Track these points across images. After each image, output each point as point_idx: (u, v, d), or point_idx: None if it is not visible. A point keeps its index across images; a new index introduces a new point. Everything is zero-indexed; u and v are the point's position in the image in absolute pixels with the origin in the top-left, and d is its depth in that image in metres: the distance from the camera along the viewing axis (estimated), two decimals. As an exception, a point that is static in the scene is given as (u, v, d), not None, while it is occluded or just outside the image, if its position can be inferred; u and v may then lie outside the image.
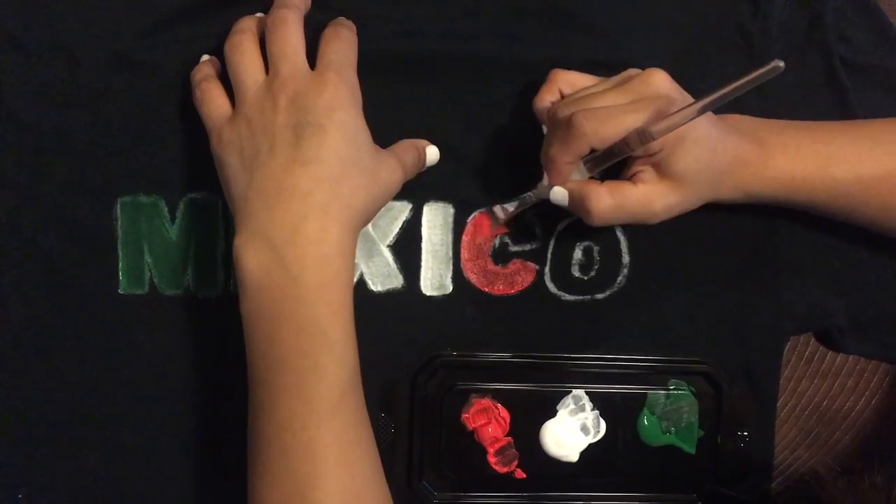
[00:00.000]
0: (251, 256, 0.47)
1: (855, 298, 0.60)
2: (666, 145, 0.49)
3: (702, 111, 0.45)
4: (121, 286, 0.56)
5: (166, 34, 0.55)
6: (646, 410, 0.58)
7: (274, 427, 0.47)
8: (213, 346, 0.56)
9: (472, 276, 0.58)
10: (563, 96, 0.53)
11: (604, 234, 0.56)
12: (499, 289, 0.58)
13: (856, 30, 0.60)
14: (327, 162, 0.48)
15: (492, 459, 0.57)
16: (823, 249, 0.59)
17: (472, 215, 0.58)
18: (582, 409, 0.57)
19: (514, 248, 0.58)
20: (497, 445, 0.57)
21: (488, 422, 0.57)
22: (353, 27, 0.54)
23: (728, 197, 0.53)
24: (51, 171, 0.55)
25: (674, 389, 0.58)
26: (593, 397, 0.58)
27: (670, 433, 0.58)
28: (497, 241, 0.58)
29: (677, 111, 0.46)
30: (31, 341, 0.56)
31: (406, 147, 0.54)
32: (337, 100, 0.49)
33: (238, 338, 0.54)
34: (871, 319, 0.61)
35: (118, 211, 0.56)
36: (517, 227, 0.58)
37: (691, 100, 0.48)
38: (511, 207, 0.55)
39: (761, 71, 0.42)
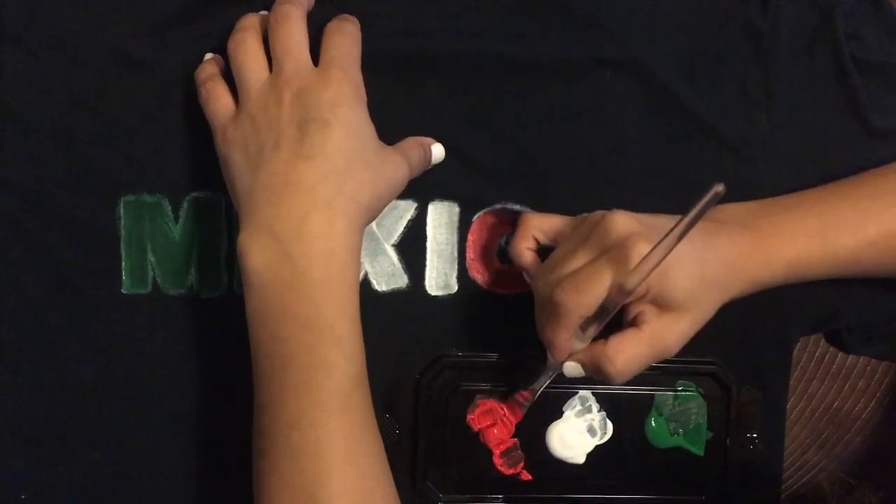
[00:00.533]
0: (256, 252, 0.47)
1: (864, 299, 0.59)
2: (652, 282, 0.47)
3: (667, 250, 0.44)
4: (124, 286, 0.56)
5: (169, 33, 0.55)
6: (653, 412, 0.57)
7: (281, 425, 0.46)
8: (216, 346, 0.56)
9: (477, 276, 0.58)
10: (537, 243, 0.53)
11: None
12: (504, 288, 0.58)
13: (866, 28, 0.59)
14: (332, 157, 0.47)
15: (497, 461, 0.57)
16: None
17: (478, 214, 0.57)
18: (588, 410, 0.57)
19: (519, 248, 0.58)
20: (503, 447, 0.57)
21: (494, 423, 0.56)
22: (357, 22, 0.54)
23: (742, 291, 0.52)
24: (53, 170, 0.55)
25: (682, 391, 0.57)
26: (600, 398, 0.57)
27: (678, 435, 0.57)
28: (503, 241, 0.58)
29: (644, 258, 0.44)
30: (34, 341, 0.55)
31: (412, 144, 0.54)
32: (341, 96, 0.49)
33: (242, 338, 0.53)
34: (879, 320, 0.60)
35: (121, 210, 0.56)
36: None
37: (658, 228, 0.46)
38: (530, 393, 0.55)
39: (706, 199, 0.41)
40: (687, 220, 0.42)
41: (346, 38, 0.52)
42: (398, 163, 0.52)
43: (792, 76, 0.58)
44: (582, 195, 0.57)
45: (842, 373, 0.59)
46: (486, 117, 0.57)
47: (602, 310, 0.47)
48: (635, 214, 0.49)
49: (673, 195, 0.57)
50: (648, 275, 0.44)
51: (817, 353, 0.57)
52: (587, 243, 0.49)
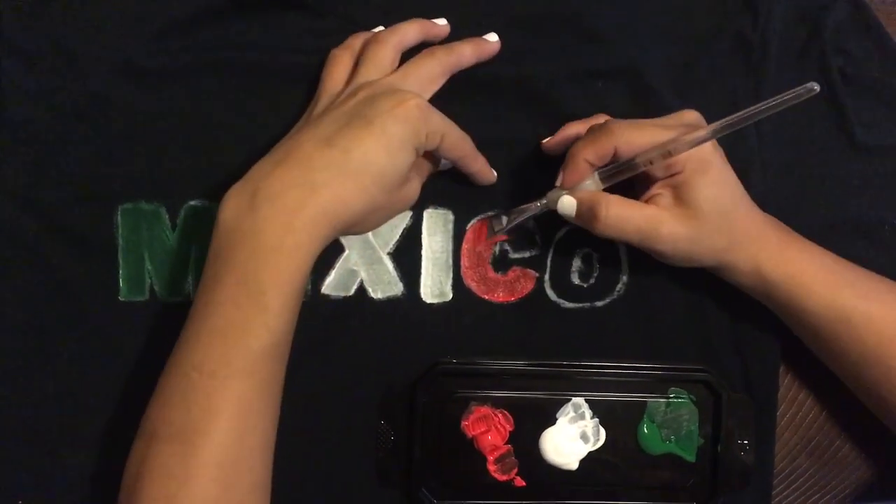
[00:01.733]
0: (233, 201, 0.47)
1: None
2: (688, 168, 0.49)
3: (722, 129, 0.47)
4: (121, 293, 0.56)
5: (169, 43, 0.56)
6: (646, 418, 0.58)
7: (186, 365, 0.46)
8: (212, 353, 0.56)
9: (472, 284, 0.58)
10: (615, 153, 0.52)
11: (603, 241, 0.56)
12: (499, 296, 0.58)
13: (854, 42, 0.60)
14: (351, 155, 0.48)
15: (491, 467, 0.57)
16: None
17: (472, 222, 0.58)
18: (582, 416, 0.57)
19: (513, 256, 0.58)
20: (497, 453, 0.57)
21: (488, 429, 0.57)
22: (452, 50, 0.56)
23: (740, 266, 0.53)
24: (52, 178, 0.55)
25: (674, 398, 0.58)
26: (593, 405, 0.57)
27: (670, 441, 0.58)
28: (497, 249, 0.58)
29: (704, 129, 0.47)
30: (32, 348, 0.56)
31: (423, 159, 0.55)
32: (404, 111, 0.49)
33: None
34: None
35: (119, 218, 0.56)
36: (517, 234, 0.58)
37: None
38: (511, 216, 0.55)
39: (794, 92, 0.43)
40: (758, 108, 0.45)
41: (434, 61, 0.54)
42: (414, 190, 0.54)
43: (780, 89, 0.59)
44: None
45: (832, 380, 0.60)
46: (479, 127, 0.57)
47: (630, 163, 0.50)
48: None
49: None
50: (696, 144, 0.47)
51: (807, 361, 0.58)
52: (658, 119, 0.52)
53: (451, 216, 0.58)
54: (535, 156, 0.58)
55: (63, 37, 0.55)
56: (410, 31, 0.55)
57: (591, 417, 0.57)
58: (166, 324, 0.56)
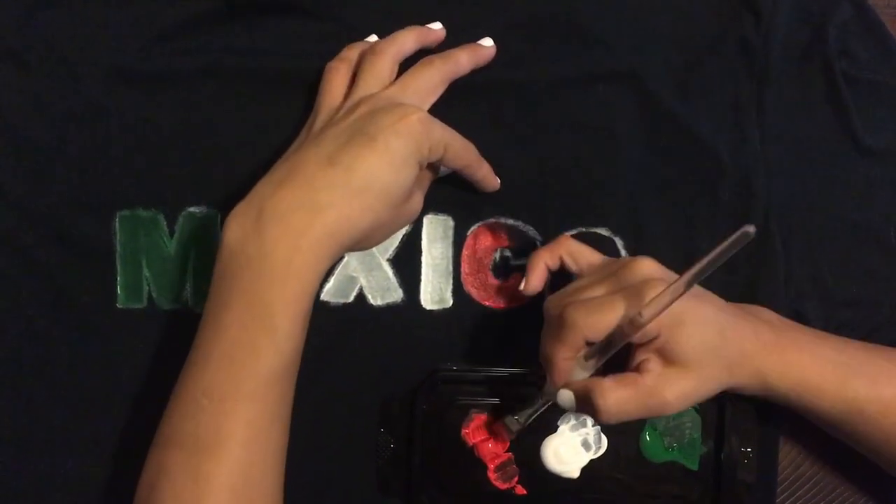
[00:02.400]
0: (237, 222, 0.47)
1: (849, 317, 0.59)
2: (664, 329, 0.46)
3: (687, 286, 0.43)
4: (119, 300, 0.56)
5: (166, 48, 0.56)
6: (648, 426, 0.57)
7: (195, 390, 0.46)
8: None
9: (472, 290, 0.58)
10: (561, 263, 0.53)
11: (603, 246, 0.56)
12: (499, 302, 0.58)
13: (858, 45, 0.60)
14: (355, 173, 0.47)
15: (492, 475, 0.57)
16: (819, 265, 0.59)
17: (472, 228, 0.58)
18: (583, 424, 0.57)
19: (514, 262, 0.58)
20: (497, 461, 0.56)
21: (488, 437, 0.56)
22: (449, 58, 0.55)
23: (746, 385, 0.51)
24: (49, 185, 0.55)
25: (676, 405, 0.57)
26: (595, 413, 0.57)
27: (673, 449, 0.57)
28: (497, 255, 0.58)
29: (662, 291, 0.44)
30: (30, 355, 0.56)
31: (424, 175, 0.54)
32: (405, 126, 0.48)
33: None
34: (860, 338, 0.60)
35: (117, 225, 0.56)
36: (517, 240, 0.58)
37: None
38: (523, 418, 0.53)
39: (732, 239, 0.40)
40: (710, 257, 0.41)
41: (432, 71, 0.54)
42: (417, 202, 0.53)
43: (784, 92, 0.59)
44: (576, 209, 0.58)
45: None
46: (479, 132, 0.57)
47: (608, 342, 0.46)
48: (662, 266, 0.49)
49: (667, 209, 0.58)
50: (662, 310, 0.44)
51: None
52: (610, 279, 0.48)
53: (451, 222, 0.57)
54: (538, 158, 0.58)
55: (59, 43, 0.55)
56: (408, 40, 0.55)
57: (593, 425, 0.57)
58: (164, 331, 0.56)
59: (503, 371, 0.57)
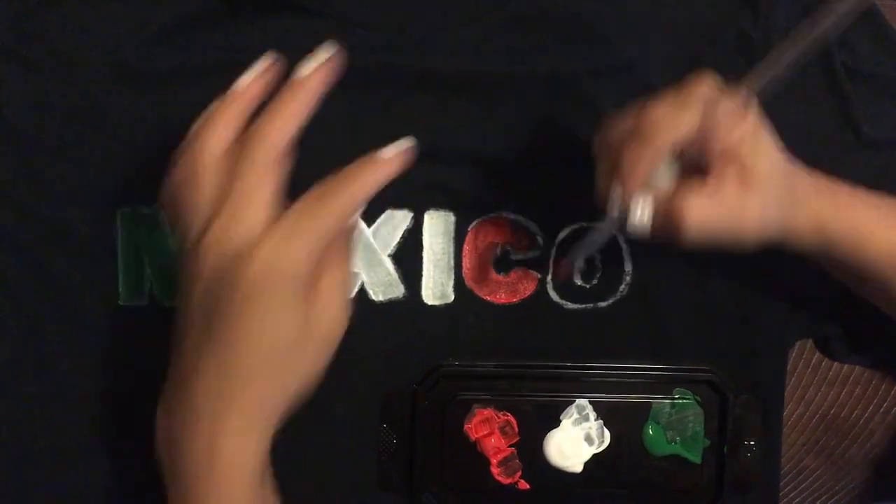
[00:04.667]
0: (163, 432, 0.46)
1: (853, 308, 0.59)
2: (744, 140, 0.44)
3: (800, 51, 0.40)
4: (121, 298, 0.56)
5: (166, 46, 0.56)
6: (650, 420, 0.57)
7: None
8: (213, 358, 0.56)
9: (473, 285, 0.58)
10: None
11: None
12: (501, 297, 0.58)
13: (858, 38, 0.59)
14: (244, 357, 0.42)
15: (495, 470, 0.57)
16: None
17: (474, 223, 0.57)
18: (586, 418, 0.57)
19: (515, 257, 0.58)
20: (500, 456, 0.57)
21: (491, 432, 0.56)
22: (343, 190, 0.44)
23: (803, 229, 0.50)
24: (50, 182, 0.55)
25: (679, 399, 0.57)
26: (597, 407, 0.57)
27: (675, 443, 0.57)
28: (499, 250, 0.58)
29: (765, 62, 0.41)
30: (31, 354, 0.55)
31: (335, 267, 0.45)
32: (270, 272, 0.41)
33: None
34: (867, 329, 0.60)
35: (118, 222, 0.56)
36: (519, 235, 0.58)
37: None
38: (579, 256, 0.49)
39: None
40: (824, 25, 0.38)
41: (327, 215, 0.42)
42: (330, 321, 0.44)
43: (781, 86, 0.58)
44: (576, 204, 0.58)
45: (838, 379, 0.60)
46: (480, 128, 0.57)
47: (684, 150, 0.43)
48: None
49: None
50: (765, 83, 0.41)
51: (814, 360, 0.57)
52: (671, 95, 0.45)
53: (452, 217, 0.57)
54: (538, 153, 0.58)
55: (59, 41, 0.55)
56: (291, 123, 0.44)
57: (596, 419, 0.57)
58: (166, 328, 0.56)
59: (505, 366, 0.57)
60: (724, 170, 0.45)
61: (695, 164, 0.45)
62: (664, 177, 0.44)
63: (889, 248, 0.51)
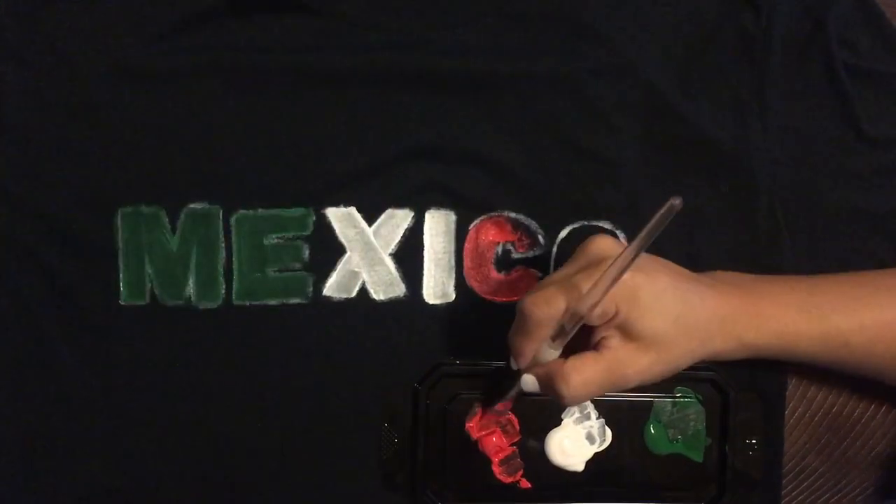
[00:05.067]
0: None
1: None
2: (620, 305, 0.46)
3: (618, 273, 0.43)
4: (122, 297, 0.56)
5: (166, 45, 0.56)
6: (652, 419, 0.57)
7: None
8: (213, 357, 0.56)
9: (474, 284, 0.58)
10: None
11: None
12: (502, 296, 0.58)
13: (859, 35, 0.59)
14: None
15: (496, 469, 0.56)
16: (826, 254, 0.59)
17: (474, 223, 0.57)
18: (587, 417, 0.57)
19: (516, 256, 0.58)
20: (502, 455, 0.56)
21: (493, 431, 0.56)
22: None
23: (724, 350, 0.51)
24: (51, 182, 0.55)
25: (680, 397, 0.57)
26: (599, 406, 0.57)
27: (677, 441, 0.57)
28: (500, 249, 0.58)
29: (599, 278, 0.43)
30: (33, 353, 0.56)
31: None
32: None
33: (239, 348, 0.53)
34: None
35: (119, 221, 0.56)
36: (520, 234, 0.58)
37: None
38: (501, 406, 0.55)
39: (661, 213, 0.39)
40: (642, 235, 0.41)
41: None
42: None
43: (785, 83, 0.59)
44: (577, 202, 0.58)
45: (840, 377, 0.59)
46: (481, 127, 0.57)
47: (561, 328, 0.47)
48: (616, 241, 0.49)
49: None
50: (600, 298, 0.44)
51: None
52: (572, 263, 0.49)
53: (453, 216, 0.57)
54: (539, 153, 0.58)
55: (60, 40, 0.55)
56: None
57: (597, 418, 0.57)
58: (167, 327, 0.56)
59: (506, 365, 0.57)
60: (605, 329, 0.48)
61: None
62: (548, 355, 0.48)
63: (822, 344, 0.52)
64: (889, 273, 0.57)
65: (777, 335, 0.52)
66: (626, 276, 0.43)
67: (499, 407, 0.55)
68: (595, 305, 0.44)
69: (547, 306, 0.46)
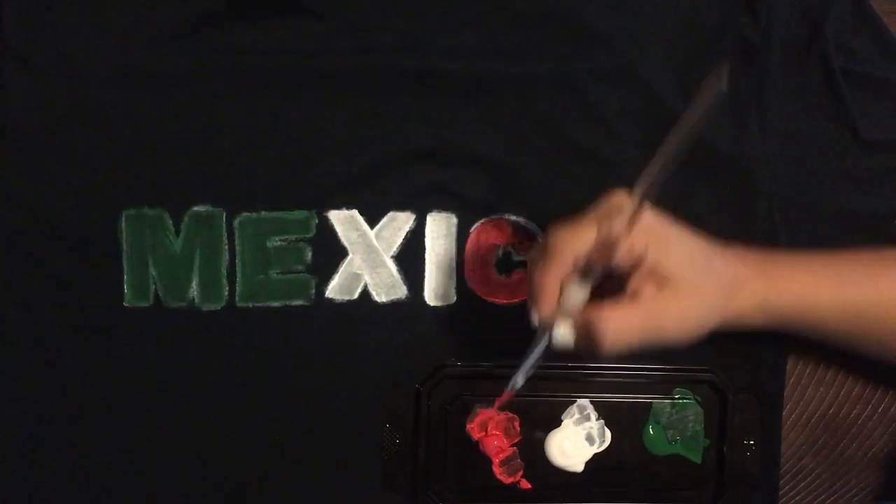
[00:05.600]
0: None
1: None
2: (650, 246, 0.45)
3: (648, 184, 0.42)
4: (125, 299, 0.56)
5: (170, 48, 0.56)
6: (651, 420, 0.57)
7: None
8: (217, 358, 0.56)
9: (475, 286, 0.58)
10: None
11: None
12: (503, 298, 0.58)
13: (857, 40, 0.60)
14: None
15: (497, 470, 0.57)
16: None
17: (475, 225, 0.58)
18: (587, 418, 0.57)
19: (517, 258, 0.58)
20: (502, 456, 0.57)
21: (494, 432, 0.57)
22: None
23: (747, 308, 0.51)
24: (55, 184, 0.55)
25: (679, 399, 0.58)
26: (598, 407, 0.57)
27: (676, 442, 0.58)
28: (500, 251, 0.58)
29: (633, 191, 0.43)
30: (36, 354, 0.56)
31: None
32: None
33: (241, 349, 0.54)
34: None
35: (123, 224, 0.56)
36: (520, 237, 0.58)
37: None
38: (520, 378, 0.50)
39: (706, 96, 0.36)
40: (683, 125, 0.38)
41: None
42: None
43: (783, 87, 0.59)
44: (578, 205, 0.58)
45: (837, 379, 0.60)
46: (482, 130, 0.57)
47: (592, 262, 0.44)
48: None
49: (668, 204, 0.58)
50: (636, 215, 0.42)
51: (812, 360, 0.57)
52: (587, 213, 0.47)
53: (454, 219, 0.58)
54: (539, 155, 0.58)
55: (65, 43, 0.55)
56: None
57: (597, 419, 0.57)
58: (170, 329, 0.57)
59: (507, 366, 0.57)
60: (638, 279, 0.46)
61: (617, 280, 0.46)
62: (577, 295, 0.45)
63: (838, 311, 0.53)
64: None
65: (797, 299, 0.52)
66: (651, 219, 0.43)
67: (517, 382, 0.50)
68: (630, 228, 0.42)
69: (574, 233, 0.45)
